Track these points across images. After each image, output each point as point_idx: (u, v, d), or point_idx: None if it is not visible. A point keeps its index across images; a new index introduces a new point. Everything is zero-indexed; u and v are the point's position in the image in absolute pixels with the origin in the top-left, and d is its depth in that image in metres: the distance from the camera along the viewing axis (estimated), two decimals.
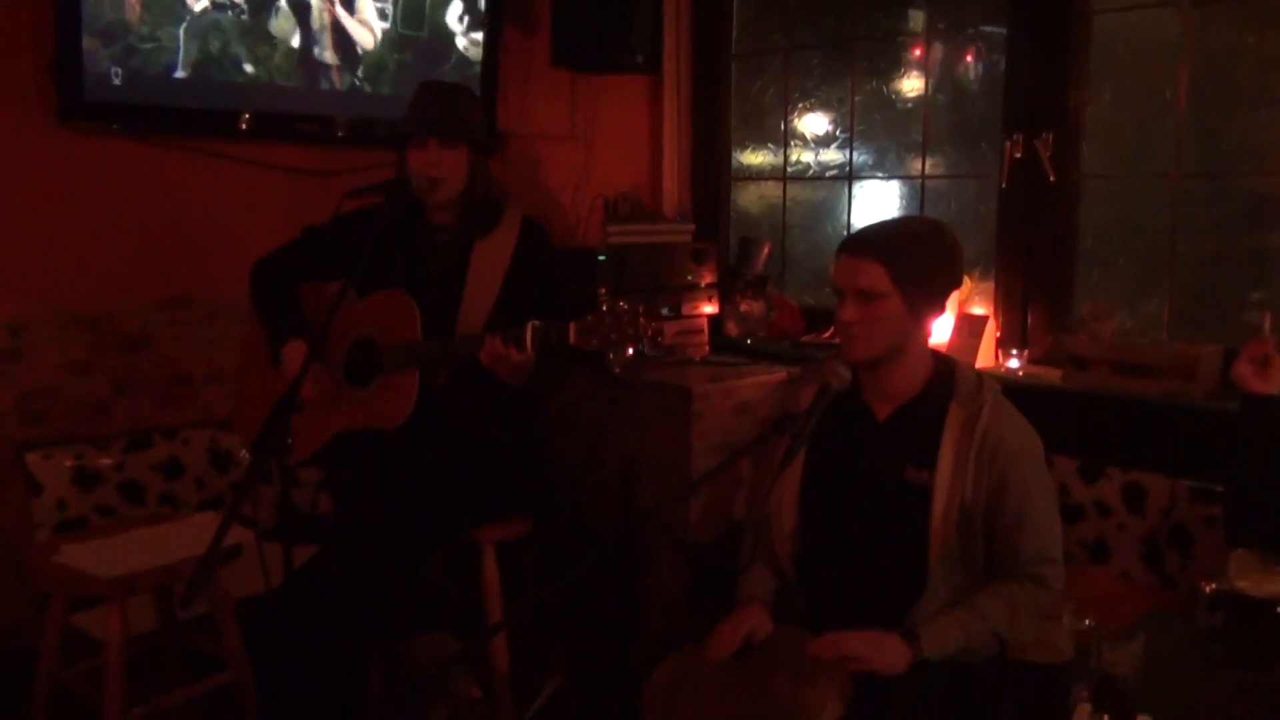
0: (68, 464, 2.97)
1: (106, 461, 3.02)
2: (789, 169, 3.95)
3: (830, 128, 3.82)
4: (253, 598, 2.59)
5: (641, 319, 2.13)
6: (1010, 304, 3.18)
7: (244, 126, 3.25)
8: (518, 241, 2.55)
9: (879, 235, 1.95)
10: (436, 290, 2.48)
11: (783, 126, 3.94)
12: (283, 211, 3.30)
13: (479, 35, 3.64)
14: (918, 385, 1.98)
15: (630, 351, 2.15)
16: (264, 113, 3.27)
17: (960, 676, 1.83)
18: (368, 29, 3.42)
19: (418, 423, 2.36)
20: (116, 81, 2.99)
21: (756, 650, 1.89)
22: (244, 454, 3.04)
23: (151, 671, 2.56)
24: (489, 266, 2.52)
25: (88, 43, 2.90)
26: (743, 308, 3.68)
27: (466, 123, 2.49)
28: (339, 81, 3.40)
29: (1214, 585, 1.65)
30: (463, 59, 3.63)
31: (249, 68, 3.22)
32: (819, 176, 3.87)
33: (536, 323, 2.21)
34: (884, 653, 1.79)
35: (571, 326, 2.17)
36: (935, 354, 2.02)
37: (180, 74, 3.09)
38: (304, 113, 3.36)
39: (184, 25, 3.07)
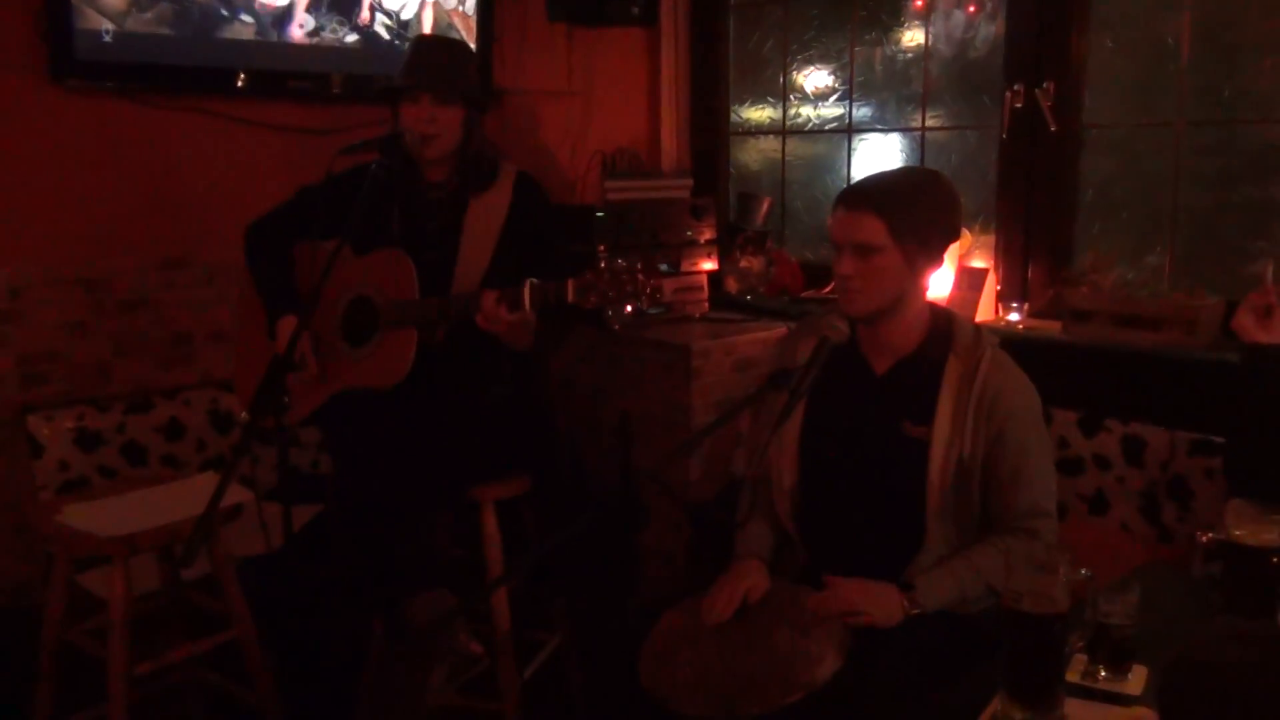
0: (69, 425, 2.98)
1: (108, 423, 3.03)
2: (788, 123, 3.91)
3: (830, 80, 3.78)
4: (255, 557, 2.61)
5: (640, 276, 2.13)
6: (1011, 257, 3.16)
7: (239, 84, 3.22)
8: (512, 198, 2.54)
9: (876, 188, 1.93)
10: (433, 248, 2.47)
11: (782, 80, 3.90)
12: (280, 170, 3.28)
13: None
14: (916, 339, 1.98)
15: (629, 309, 2.14)
16: (259, 70, 3.24)
17: (957, 627, 1.85)
18: None
19: (416, 381, 2.36)
20: (108, 39, 2.96)
21: (755, 605, 1.90)
22: (244, 415, 3.05)
23: (156, 630, 2.58)
24: (484, 224, 2.50)
25: (77, 0, 2.87)
26: (742, 264, 3.66)
27: (462, 80, 2.47)
28: (334, 37, 3.37)
29: (1211, 535, 1.65)
30: (458, 14, 3.59)
31: (243, 23, 3.18)
32: (818, 130, 3.84)
33: (534, 280, 2.20)
34: (880, 605, 1.80)
35: (570, 284, 2.16)
36: (933, 307, 2.01)
37: (172, 31, 3.06)
38: (299, 70, 3.33)
39: None
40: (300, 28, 3.30)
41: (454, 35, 3.57)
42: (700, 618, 1.88)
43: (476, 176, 2.53)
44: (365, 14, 3.42)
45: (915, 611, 1.81)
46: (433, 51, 2.50)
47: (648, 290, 2.14)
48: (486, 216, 2.52)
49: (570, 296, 2.17)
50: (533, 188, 2.60)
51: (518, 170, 2.60)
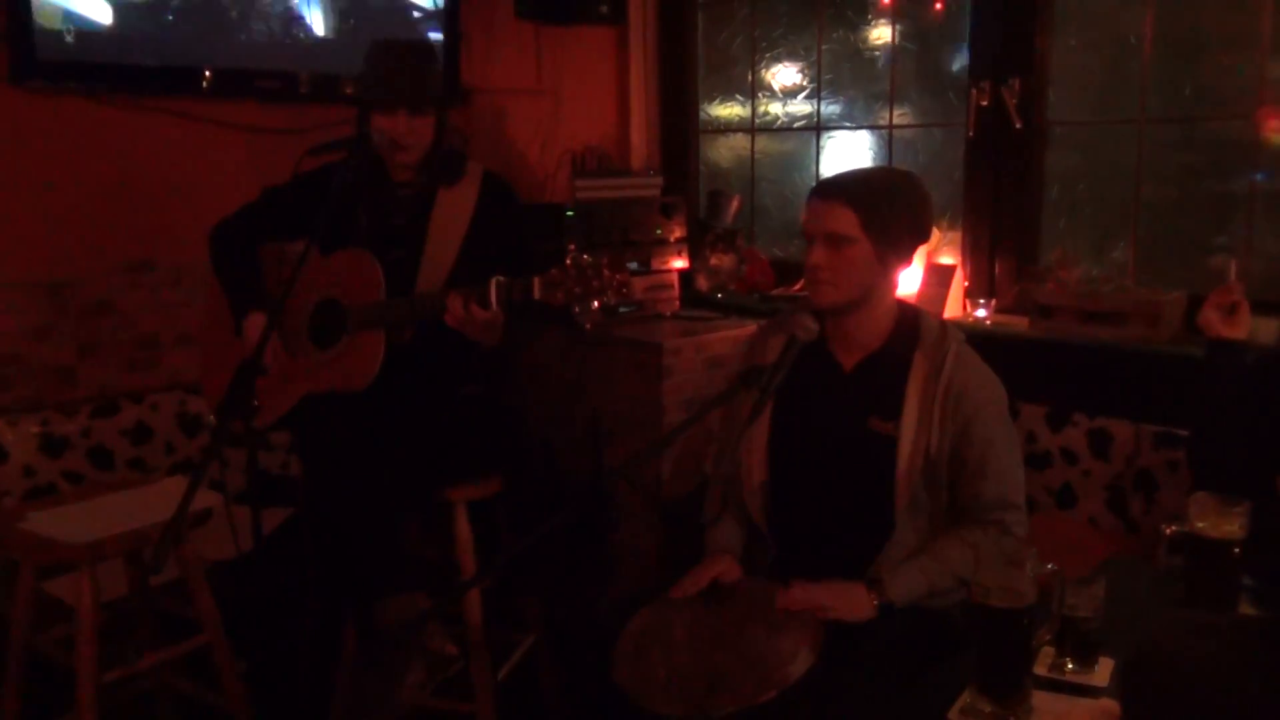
0: (34, 430, 2.94)
1: (73, 427, 3.00)
2: (757, 120, 3.92)
3: (798, 78, 3.79)
4: (224, 561, 2.59)
5: (605, 271, 2.13)
6: (977, 253, 3.19)
7: (204, 84, 3.19)
8: (479, 196, 2.53)
9: (850, 181, 1.95)
10: (399, 245, 2.46)
11: (750, 77, 3.91)
12: (246, 170, 3.26)
13: None
14: (883, 335, 1.99)
15: (596, 305, 2.15)
16: (224, 69, 3.21)
17: (927, 622, 1.86)
18: None
19: (385, 382, 2.35)
20: (69, 40, 2.92)
21: (727, 600, 1.90)
22: (211, 418, 3.03)
23: (125, 636, 2.56)
24: (451, 220, 2.50)
25: (38, 1, 2.84)
26: (713, 262, 3.67)
27: (434, 87, 2.46)
28: (301, 34, 3.34)
29: (1174, 528, 1.68)
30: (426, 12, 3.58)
31: (208, 22, 3.15)
32: (787, 128, 3.85)
33: (500, 279, 2.20)
34: (850, 602, 1.81)
35: (536, 281, 2.16)
36: (900, 304, 2.03)
37: (135, 31, 3.03)
38: (266, 69, 3.30)
39: None
40: (267, 23, 3.27)
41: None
42: (673, 615, 1.88)
43: (445, 170, 2.53)
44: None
45: (884, 601, 1.83)
46: (404, 61, 2.46)
47: (614, 285, 2.15)
48: (453, 213, 2.51)
49: (537, 293, 2.17)
50: (501, 187, 2.59)
51: (485, 170, 2.60)
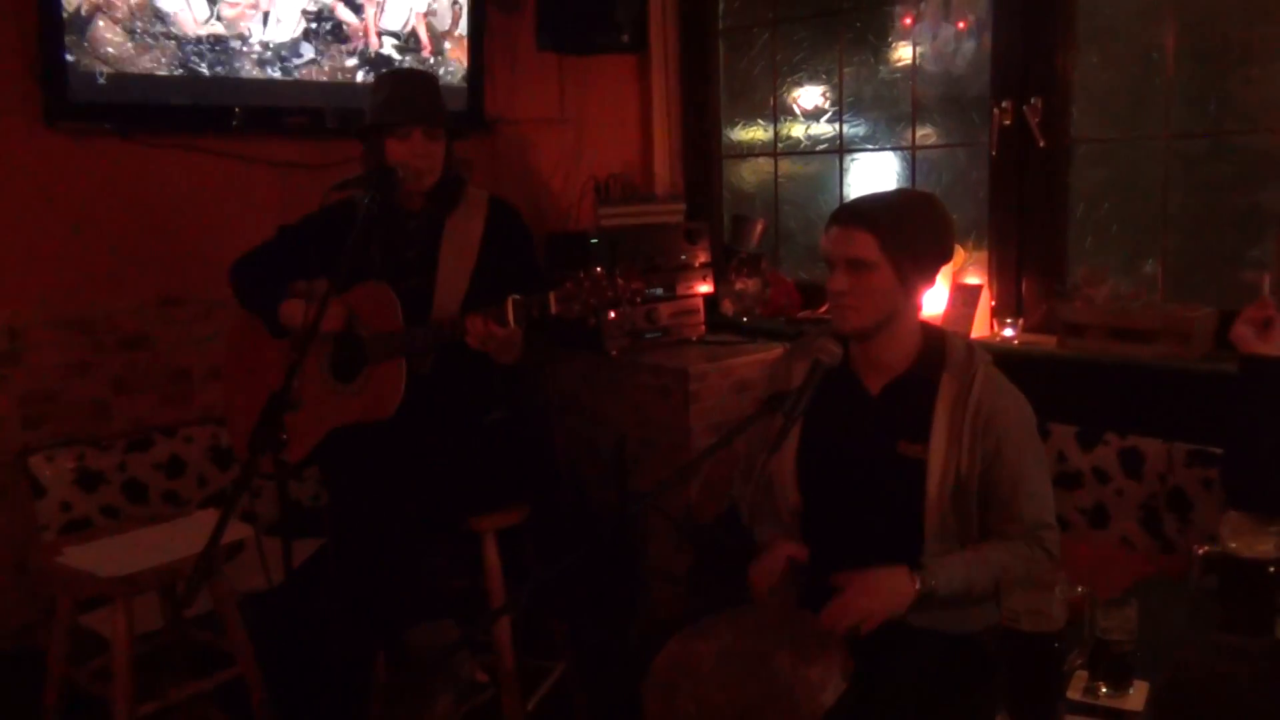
0: (70, 466, 2.98)
1: (108, 462, 3.04)
2: (780, 144, 3.93)
3: (820, 100, 3.80)
4: (257, 592, 2.61)
5: (620, 280, 2.15)
6: (1004, 273, 3.17)
7: (234, 122, 3.24)
8: (487, 222, 2.57)
9: (869, 206, 1.95)
10: (414, 275, 2.49)
11: (772, 101, 3.92)
12: (276, 206, 3.30)
13: (464, 21, 3.62)
14: (909, 358, 1.98)
15: (613, 315, 2.18)
16: (253, 107, 3.26)
17: (958, 648, 1.85)
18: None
19: (409, 413, 2.37)
20: (101, 81, 2.98)
21: (755, 627, 1.89)
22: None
23: (160, 668, 2.58)
24: (461, 249, 2.53)
25: (70, 42, 2.90)
26: (738, 286, 3.67)
27: (445, 112, 2.52)
28: (326, 72, 3.39)
29: (1207, 548, 1.66)
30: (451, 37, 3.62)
31: (236, 62, 3.21)
32: (810, 151, 3.86)
33: (516, 296, 2.24)
34: (890, 599, 1.80)
35: (551, 296, 2.19)
36: (925, 326, 2.02)
37: (164, 71, 3.08)
38: (293, 106, 3.35)
39: (167, 20, 3.06)
40: (299, 58, 3.32)
41: (450, 60, 3.60)
42: (701, 646, 1.87)
43: (448, 197, 2.56)
44: (370, 39, 3.44)
45: (926, 589, 1.80)
46: (415, 87, 2.51)
47: (628, 293, 2.17)
48: (462, 241, 2.55)
49: (553, 308, 2.20)
50: (507, 212, 2.63)
51: (490, 195, 2.63)
